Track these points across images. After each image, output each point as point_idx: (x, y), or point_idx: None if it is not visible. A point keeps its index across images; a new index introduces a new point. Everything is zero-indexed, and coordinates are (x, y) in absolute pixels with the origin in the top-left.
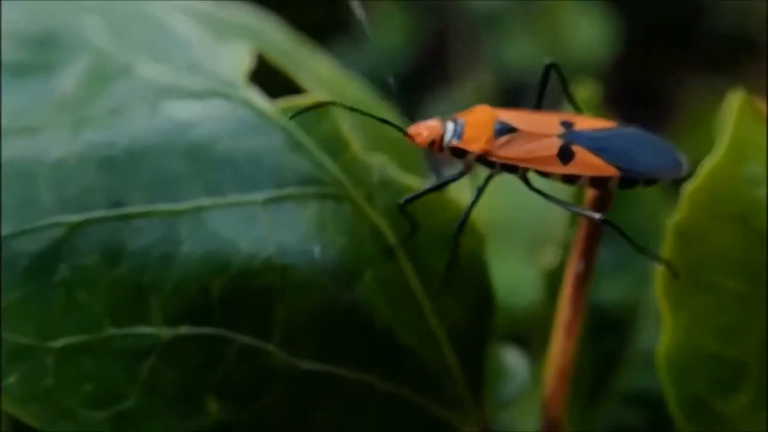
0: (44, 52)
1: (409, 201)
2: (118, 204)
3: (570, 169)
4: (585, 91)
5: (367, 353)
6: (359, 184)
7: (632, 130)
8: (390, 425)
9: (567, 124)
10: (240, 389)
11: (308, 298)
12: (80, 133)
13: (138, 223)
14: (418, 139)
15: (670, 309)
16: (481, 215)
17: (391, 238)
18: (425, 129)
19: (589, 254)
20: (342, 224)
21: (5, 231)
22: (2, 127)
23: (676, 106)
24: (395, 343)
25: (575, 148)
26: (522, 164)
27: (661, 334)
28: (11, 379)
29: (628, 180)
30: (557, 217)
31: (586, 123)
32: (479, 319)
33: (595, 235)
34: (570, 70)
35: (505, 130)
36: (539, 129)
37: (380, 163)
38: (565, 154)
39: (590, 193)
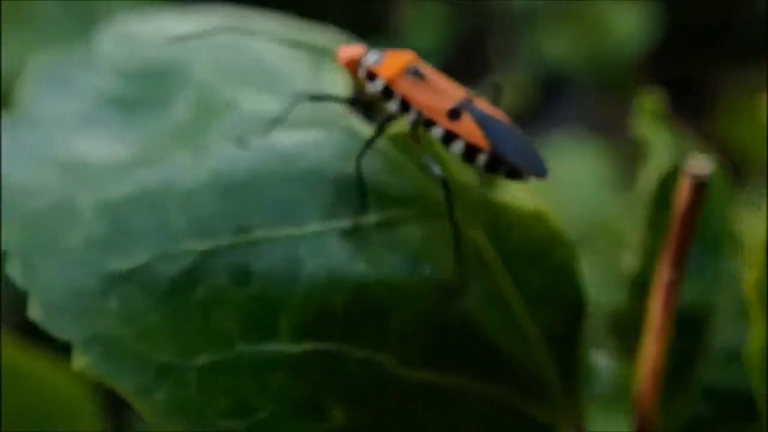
0: (152, 86)
1: (317, 98)
2: (244, 230)
3: (452, 127)
4: (649, 102)
5: (473, 360)
6: (460, 203)
7: (517, 130)
8: (492, 426)
9: (469, 98)
10: (360, 397)
11: (421, 313)
12: (201, 163)
13: (263, 247)
14: (342, 58)
15: (760, 308)
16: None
17: (490, 253)
18: (350, 50)
19: (680, 263)
20: (445, 242)
21: (145, 258)
22: (130, 160)
23: (715, 96)
24: (498, 350)
25: (464, 114)
26: (416, 106)
27: (750, 332)
28: (159, 395)
29: (495, 160)
30: (608, 212)
31: (485, 105)
32: (573, 324)
33: (687, 243)
34: (608, 64)
35: (417, 74)
36: (444, 87)
37: (478, 182)
38: (454, 115)
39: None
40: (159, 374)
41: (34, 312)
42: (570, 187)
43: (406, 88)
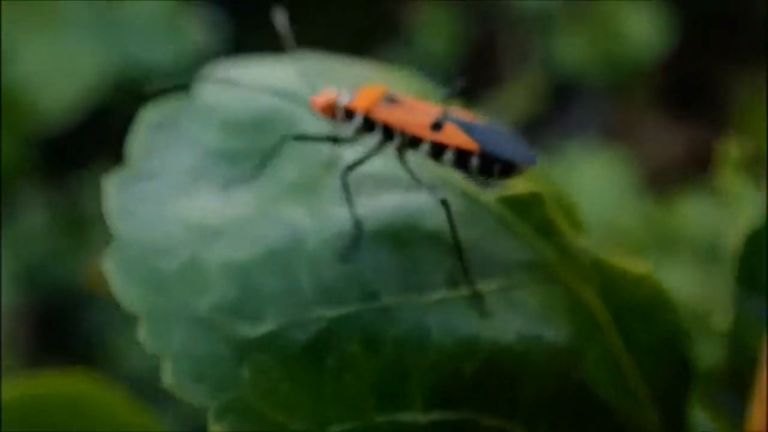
0: (259, 139)
1: (301, 138)
2: (372, 296)
3: (437, 137)
4: (735, 149)
5: (592, 423)
6: (573, 266)
7: (500, 126)
8: None
9: (447, 111)
10: None
11: (546, 379)
12: (321, 222)
13: (392, 314)
14: (316, 104)
15: None
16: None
17: (604, 316)
18: (322, 95)
19: None
20: (561, 306)
21: (275, 324)
22: (247, 218)
23: (731, 96)
24: (611, 411)
25: (447, 124)
26: (398, 126)
27: None
28: None
29: (486, 160)
30: (624, 218)
31: (464, 114)
32: (680, 384)
33: None
34: (623, 68)
35: (392, 100)
36: (420, 106)
37: (589, 246)
38: (437, 127)
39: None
40: None
41: (167, 378)
42: (585, 194)
43: (385, 113)
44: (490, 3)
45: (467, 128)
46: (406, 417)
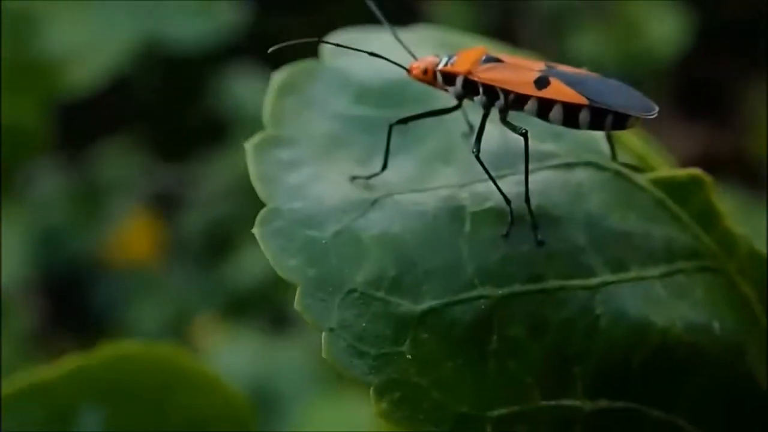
0: (389, 107)
1: (404, 121)
2: (538, 278)
3: (543, 93)
4: None
5: (758, 418)
6: (732, 256)
7: (609, 79)
8: None
9: (549, 66)
10: None
11: (714, 372)
12: (477, 198)
13: (557, 297)
14: (415, 71)
15: None
16: None
17: (759, 308)
18: (422, 61)
19: None
20: (724, 297)
21: (437, 301)
22: (395, 188)
23: (744, 99)
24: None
25: (551, 79)
26: (501, 86)
27: None
28: None
29: (598, 114)
30: None
31: (568, 68)
32: None
33: None
34: (640, 67)
35: (492, 60)
36: (523, 64)
37: (746, 235)
38: (541, 82)
39: None
40: (457, 425)
41: (330, 355)
42: None
43: (484, 74)
44: (509, 1)
45: (574, 82)
46: (570, 403)
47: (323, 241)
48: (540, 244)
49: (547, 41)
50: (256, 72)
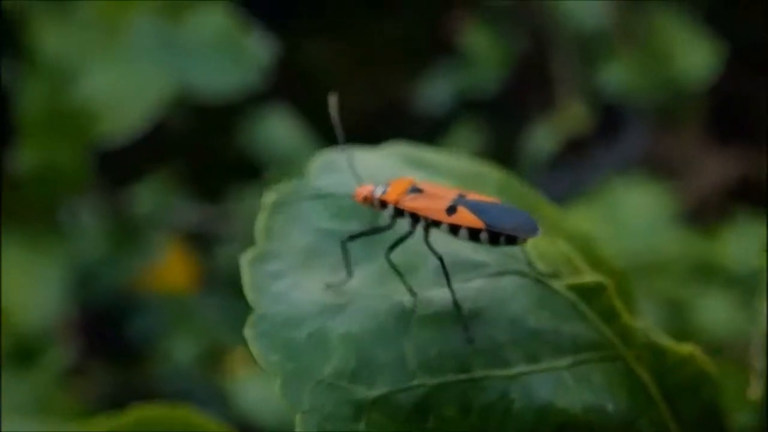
0: (360, 221)
1: (352, 238)
2: (465, 369)
3: (452, 219)
4: None
5: None
6: (630, 346)
7: (506, 205)
8: None
9: (462, 195)
10: None
11: None
12: (421, 306)
13: (482, 384)
14: (357, 197)
15: None
16: None
17: (654, 390)
18: (363, 189)
19: None
20: (620, 381)
21: (386, 389)
22: (359, 293)
23: None
24: None
25: (459, 207)
26: (420, 213)
27: None
28: None
29: (493, 234)
30: (668, 249)
31: (476, 196)
32: None
33: None
34: (671, 92)
35: (416, 190)
36: (439, 193)
37: (643, 327)
38: (451, 210)
39: None
40: None
41: (298, 429)
42: (628, 223)
43: (410, 203)
44: (539, 26)
45: (476, 209)
46: None
47: (299, 341)
48: (470, 341)
49: (579, 68)
50: (287, 110)
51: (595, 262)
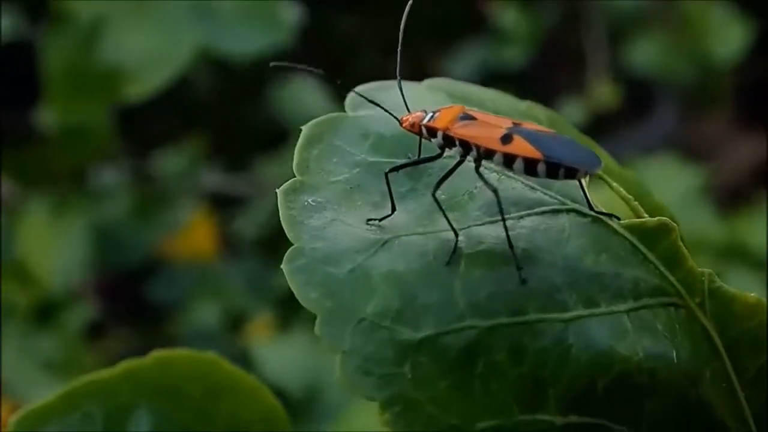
0: (400, 154)
1: (396, 169)
2: (518, 312)
3: (507, 149)
4: None
5: None
6: (693, 293)
7: (565, 137)
8: None
9: (516, 123)
10: None
11: (669, 395)
12: (471, 240)
13: (535, 328)
14: (405, 124)
15: None
16: None
17: (718, 340)
18: (411, 116)
19: None
20: (684, 329)
21: (432, 330)
22: (402, 230)
23: None
24: (726, 429)
25: (515, 136)
26: (472, 140)
27: None
28: None
29: (551, 167)
30: (697, 228)
31: (532, 126)
32: None
33: None
34: (701, 72)
35: (467, 117)
36: (493, 121)
37: (708, 274)
38: (506, 139)
39: None
40: None
41: (342, 374)
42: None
43: (459, 131)
44: (572, 4)
45: (533, 139)
46: (544, 417)
47: (339, 277)
48: (523, 282)
49: (609, 46)
50: (316, 80)
51: (654, 210)
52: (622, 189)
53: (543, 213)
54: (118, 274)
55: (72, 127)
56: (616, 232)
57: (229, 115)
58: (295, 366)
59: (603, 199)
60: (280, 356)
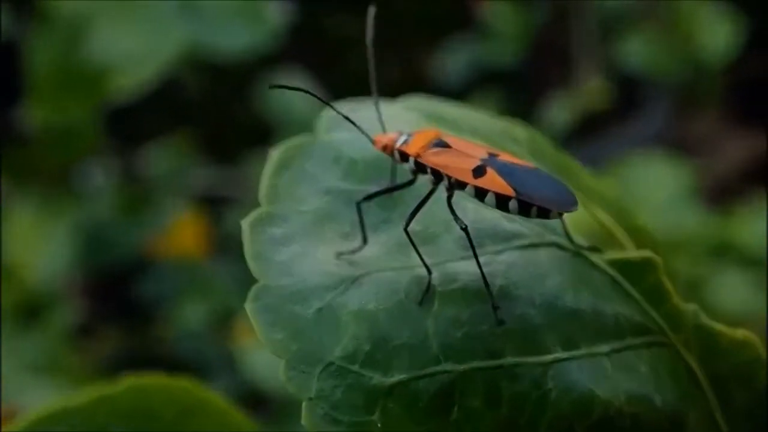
0: (374, 180)
1: (369, 198)
2: (495, 355)
3: (478, 183)
4: None
5: None
6: (678, 329)
7: (542, 172)
8: None
9: (493, 154)
10: None
11: None
12: (444, 283)
13: (513, 372)
14: (377, 145)
15: None
16: None
17: (703, 378)
18: (385, 137)
19: None
20: (668, 369)
21: (406, 374)
22: (373, 265)
23: None
24: None
25: (488, 169)
26: (444, 170)
27: None
28: None
29: (523, 204)
30: (687, 227)
31: (509, 158)
32: None
33: None
34: (692, 70)
35: (441, 145)
36: (468, 150)
37: (693, 310)
38: (479, 171)
39: None
40: None
41: (309, 421)
42: (645, 200)
43: (431, 158)
44: (562, 3)
45: (507, 173)
46: None
47: (306, 317)
48: (500, 323)
49: (599, 43)
50: (303, 74)
51: (634, 233)
52: (602, 214)
53: (521, 247)
54: (105, 274)
55: (58, 125)
56: (597, 266)
57: (218, 114)
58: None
59: (581, 218)
60: (265, 357)
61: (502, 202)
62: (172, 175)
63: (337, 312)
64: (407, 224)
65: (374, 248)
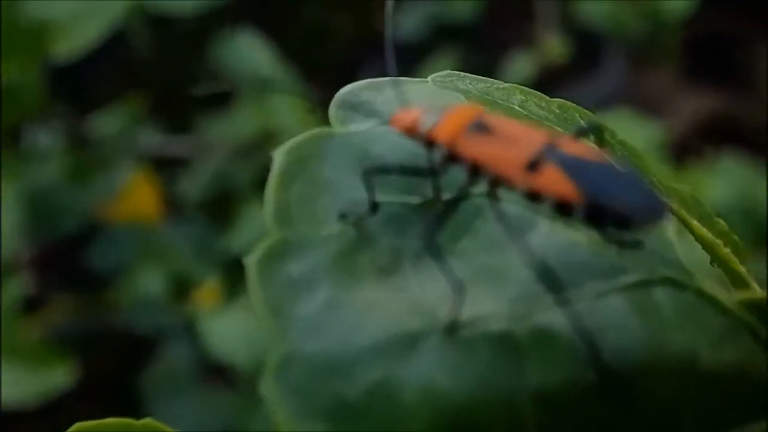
0: (415, 190)
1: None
2: None
3: (532, 181)
4: None
5: None
6: None
7: (620, 168)
8: None
9: (551, 142)
10: None
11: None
12: (545, 335)
13: None
14: (397, 125)
15: None
16: None
17: None
18: (406, 115)
19: None
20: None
21: None
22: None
23: (756, 58)
24: None
25: (547, 162)
26: (486, 165)
27: None
28: None
29: (594, 212)
30: None
31: (572, 147)
32: None
33: None
34: (650, 26)
35: (482, 128)
36: (519, 134)
37: None
38: (533, 166)
39: None
40: None
41: None
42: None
43: (468, 148)
44: None
45: (573, 168)
46: None
47: (353, 401)
48: (621, 404)
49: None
50: (259, 35)
51: (718, 234)
52: (707, 232)
53: (629, 287)
54: (55, 241)
55: (1, 86)
56: (728, 310)
57: (171, 73)
58: (242, 337)
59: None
60: (226, 327)
61: (563, 209)
62: (123, 137)
63: (397, 391)
64: (428, 242)
65: (431, 293)
